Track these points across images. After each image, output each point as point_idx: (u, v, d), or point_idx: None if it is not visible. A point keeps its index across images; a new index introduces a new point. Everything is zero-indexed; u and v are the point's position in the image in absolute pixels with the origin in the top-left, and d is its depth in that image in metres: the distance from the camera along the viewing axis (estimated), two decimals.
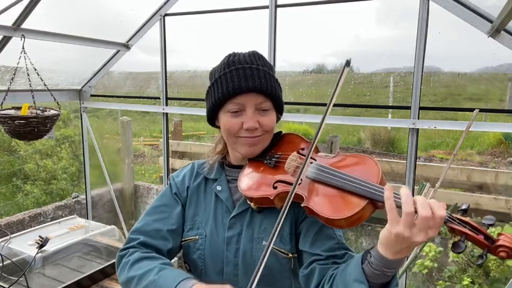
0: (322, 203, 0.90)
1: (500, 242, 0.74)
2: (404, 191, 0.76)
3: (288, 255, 1.05)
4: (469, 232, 0.76)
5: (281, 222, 0.86)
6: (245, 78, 1.02)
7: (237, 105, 1.04)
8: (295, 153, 1.05)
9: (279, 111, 1.12)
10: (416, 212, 0.74)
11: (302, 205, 0.92)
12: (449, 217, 0.77)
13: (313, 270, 0.96)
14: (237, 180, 1.09)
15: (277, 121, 1.14)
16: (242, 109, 1.04)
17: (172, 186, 1.20)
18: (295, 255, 1.06)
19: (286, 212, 0.87)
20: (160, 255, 1.07)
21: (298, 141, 1.11)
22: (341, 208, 0.86)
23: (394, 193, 0.78)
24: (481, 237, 0.75)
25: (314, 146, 0.95)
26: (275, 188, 1.00)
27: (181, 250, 1.18)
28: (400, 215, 0.75)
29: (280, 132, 1.17)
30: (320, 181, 0.94)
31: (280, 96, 1.10)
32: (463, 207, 0.79)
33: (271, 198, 0.99)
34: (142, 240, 1.08)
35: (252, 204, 1.05)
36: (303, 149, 1.07)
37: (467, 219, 0.77)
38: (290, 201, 0.89)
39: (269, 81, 1.05)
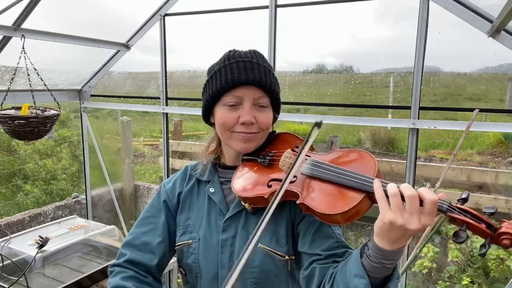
0: (317, 199, 0.88)
1: (502, 230, 0.71)
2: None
3: (284, 257, 1.02)
4: (470, 221, 0.73)
5: (267, 217, 0.81)
6: (245, 70, 1.00)
7: (235, 98, 1.01)
8: (289, 150, 1.03)
9: (276, 111, 1.11)
10: (402, 195, 0.74)
11: (297, 202, 0.90)
12: (449, 206, 0.75)
13: (313, 270, 0.94)
14: (230, 181, 1.06)
15: (273, 121, 1.12)
16: (239, 102, 1.02)
17: (162, 193, 1.18)
18: (293, 257, 1.03)
19: (274, 206, 0.83)
20: (141, 277, 1.09)
21: (293, 140, 1.09)
22: (337, 203, 0.84)
23: (382, 183, 0.79)
24: (483, 226, 0.72)
25: (307, 142, 0.93)
26: (269, 186, 0.98)
27: (176, 254, 1.16)
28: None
29: (274, 131, 1.15)
30: (315, 177, 0.92)
31: (278, 95, 1.09)
32: (463, 196, 0.77)
33: (265, 197, 0.96)
34: (129, 258, 1.10)
35: (246, 205, 1.02)
36: (297, 147, 1.05)
37: (467, 208, 0.75)
38: (279, 196, 0.85)
39: (268, 77, 1.03)
